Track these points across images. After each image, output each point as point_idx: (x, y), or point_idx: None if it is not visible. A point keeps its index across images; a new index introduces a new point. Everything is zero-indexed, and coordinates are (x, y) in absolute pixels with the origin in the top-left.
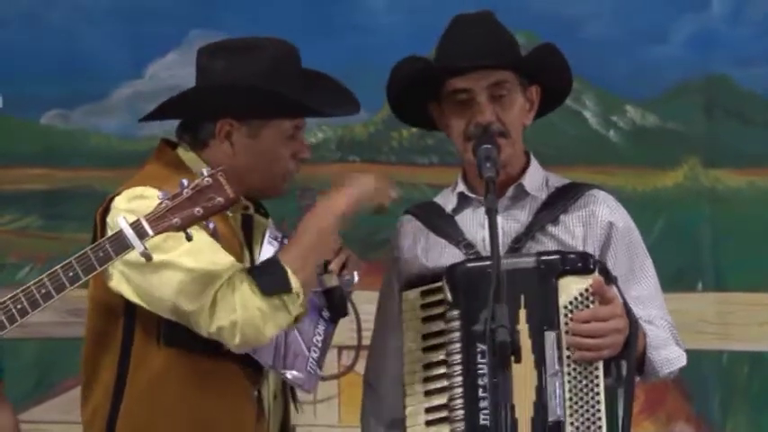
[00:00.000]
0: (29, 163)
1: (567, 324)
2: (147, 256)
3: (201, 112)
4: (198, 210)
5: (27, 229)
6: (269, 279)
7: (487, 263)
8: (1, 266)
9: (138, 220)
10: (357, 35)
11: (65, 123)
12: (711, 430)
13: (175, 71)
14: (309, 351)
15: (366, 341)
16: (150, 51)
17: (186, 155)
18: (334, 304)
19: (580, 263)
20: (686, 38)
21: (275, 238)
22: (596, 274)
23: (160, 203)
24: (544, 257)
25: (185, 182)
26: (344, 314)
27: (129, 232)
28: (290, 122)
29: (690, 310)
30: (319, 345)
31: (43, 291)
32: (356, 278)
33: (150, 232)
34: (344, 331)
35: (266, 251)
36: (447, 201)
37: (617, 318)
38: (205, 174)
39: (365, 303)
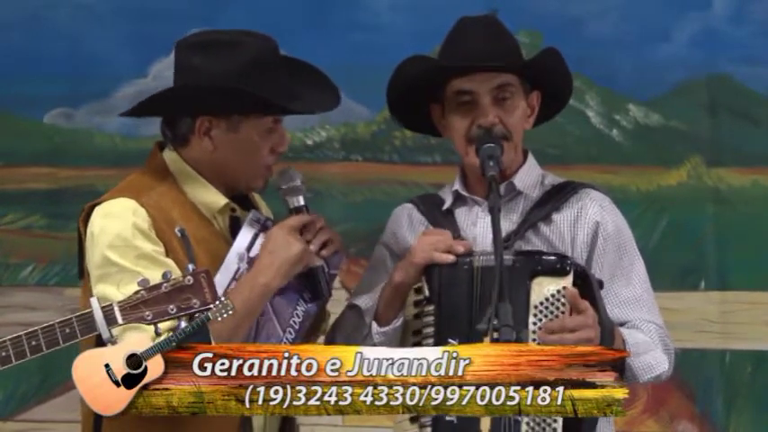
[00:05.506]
0: (32, 162)
1: (535, 324)
2: (113, 343)
3: (179, 111)
4: (171, 307)
5: (30, 228)
6: None
7: (465, 259)
8: (4, 266)
9: (110, 305)
10: (359, 34)
11: (68, 122)
12: (714, 429)
13: None
14: (285, 333)
15: None
16: (154, 50)
17: (170, 156)
18: (314, 284)
19: (556, 264)
20: (689, 37)
21: (257, 221)
22: (571, 277)
23: (137, 292)
24: (520, 256)
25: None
26: (327, 294)
27: (99, 317)
28: (270, 117)
29: (693, 310)
30: (296, 326)
31: (3, 353)
32: (344, 258)
33: (120, 321)
34: None
35: (243, 234)
36: (446, 197)
37: (587, 328)
38: (189, 270)
39: None
